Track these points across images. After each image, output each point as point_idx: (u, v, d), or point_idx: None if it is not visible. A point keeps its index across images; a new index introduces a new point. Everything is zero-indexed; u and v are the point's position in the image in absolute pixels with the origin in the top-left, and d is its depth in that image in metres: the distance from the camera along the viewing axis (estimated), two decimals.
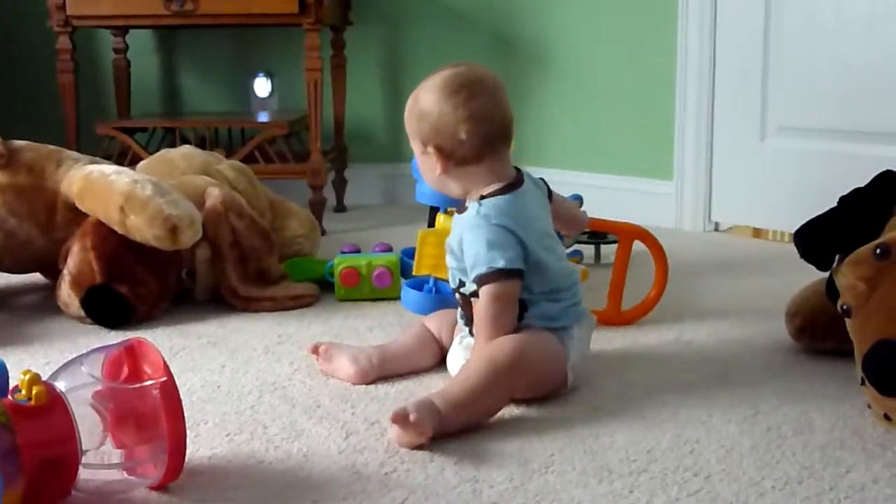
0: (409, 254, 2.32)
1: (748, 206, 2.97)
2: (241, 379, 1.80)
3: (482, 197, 1.67)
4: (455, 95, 1.65)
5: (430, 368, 1.81)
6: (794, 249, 1.82)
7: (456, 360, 1.72)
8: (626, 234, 2.10)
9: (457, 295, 1.74)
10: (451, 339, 1.79)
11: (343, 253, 2.35)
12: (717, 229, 3.07)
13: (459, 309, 1.76)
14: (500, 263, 1.61)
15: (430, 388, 1.72)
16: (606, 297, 2.09)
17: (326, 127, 3.27)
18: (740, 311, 2.18)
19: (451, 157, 1.67)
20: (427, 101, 1.68)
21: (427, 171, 1.73)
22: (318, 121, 3.01)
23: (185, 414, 1.32)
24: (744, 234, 3.01)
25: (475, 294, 1.66)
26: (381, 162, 3.59)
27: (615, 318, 2.08)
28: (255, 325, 2.13)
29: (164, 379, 1.30)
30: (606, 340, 1.96)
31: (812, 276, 1.89)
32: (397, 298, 2.25)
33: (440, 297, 2.08)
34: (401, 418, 1.46)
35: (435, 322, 1.85)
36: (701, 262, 2.53)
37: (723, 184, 3.01)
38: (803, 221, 1.83)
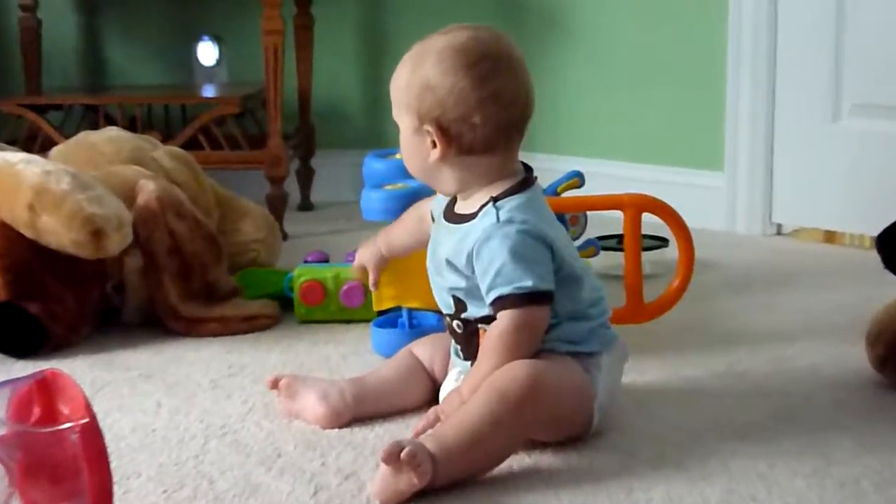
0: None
1: (818, 203, 2.98)
2: (181, 421, 1.80)
3: (495, 199, 1.65)
4: (473, 67, 1.63)
5: (420, 407, 1.81)
6: (877, 257, 1.83)
7: None
8: (630, 207, 2.08)
9: (453, 324, 1.73)
10: (445, 369, 1.80)
11: (306, 262, 2.36)
12: (779, 232, 3.07)
13: (455, 344, 1.75)
14: (529, 283, 1.59)
15: None
16: (624, 291, 2.09)
17: (289, 104, 3.27)
18: (808, 335, 2.19)
19: (455, 143, 1.65)
20: (435, 69, 1.65)
21: (414, 154, 1.70)
22: (278, 96, 3.02)
23: (112, 464, 1.32)
24: (813, 238, 3.02)
25: (485, 320, 1.66)
26: (358, 149, 3.58)
27: (637, 313, 2.09)
28: (199, 353, 2.14)
29: (86, 421, 1.30)
30: (639, 371, 1.97)
31: None
32: (373, 320, 2.26)
33: (419, 332, 2.06)
34: (392, 457, 1.45)
35: (426, 349, 1.85)
36: (759, 273, 2.54)
37: (786, 176, 3.02)
38: (888, 223, 1.83)
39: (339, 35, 3.54)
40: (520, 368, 1.58)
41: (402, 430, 1.74)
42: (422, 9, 3.47)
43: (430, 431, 1.56)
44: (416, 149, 1.69)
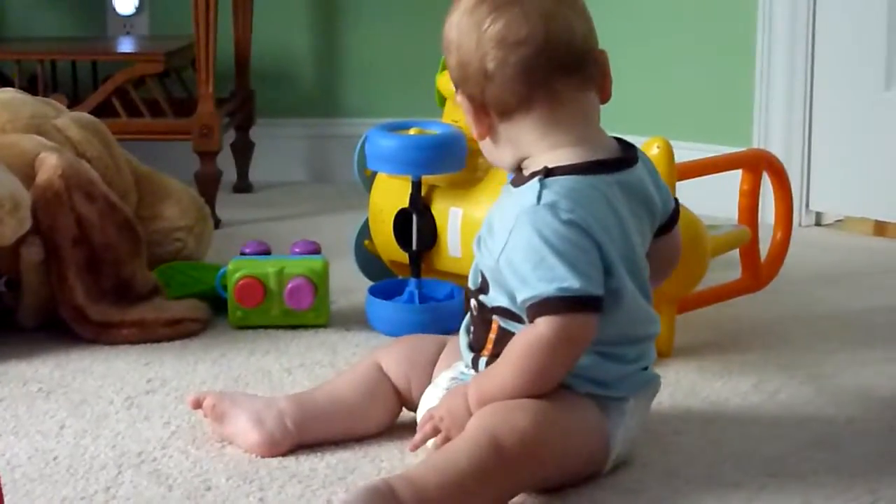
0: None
1: (865, 189, 3.00)
2: (89, 446, 1.80)
3: (549, 172, 1.63)
4: (477, 8, 1.64)
5: (379, 434, 1.81)
6: None
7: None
8: (751, 165, 2.34)
9: (471, 303, 1.73)
10: (423, 388, 1.78)
11: (243, 255, 2.36)
12: (818, 223, 3.09)
13: (466, 325, 1.75)
14: (577, 285, 1.56)
15: (382, 463, 1.73)
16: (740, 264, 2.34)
17: (223, 62, 3.28)
18: (854, 346, 2.21)
19: (488, 106, 1.66)
20: (450, 24, 1.68)
21: (474, 133, 1.72)
22: (210, 53, 3.02)
23: (5, 498, 1.32)
24: (859, 230, 3.04)
25: (505, 313, 1.66)
26: (307, 117, 3.60)
27: (758, 280, 2.37)
28: (111, 364, 2.14)
29: None
30: None
31: None
32: (323, 326, 2.27)
33: (428, 308, 2.09)
34: None
35: (399, 361, 1.83)
36: (795, 271, 2.55)
37: (827, 156, 3.04)
38: None
39: None
40: (523, 416, 1.57)
41: (359, 458, 1.74)
42: None
43: (404, 472, 1.55)
44: (470, 126, 1.72)
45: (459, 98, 1.70)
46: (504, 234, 1.60)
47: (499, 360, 1.63)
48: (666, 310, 2.10)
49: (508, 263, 1.60)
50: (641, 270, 1.67)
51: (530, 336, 1.58)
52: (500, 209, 1.66)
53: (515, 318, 1.63)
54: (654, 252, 1.74)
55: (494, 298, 1.66)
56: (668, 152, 2.03)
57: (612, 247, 1.60)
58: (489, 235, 1.65)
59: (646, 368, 1.71)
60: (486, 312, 1.69)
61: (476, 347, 1.71)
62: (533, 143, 1.66)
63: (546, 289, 1.56)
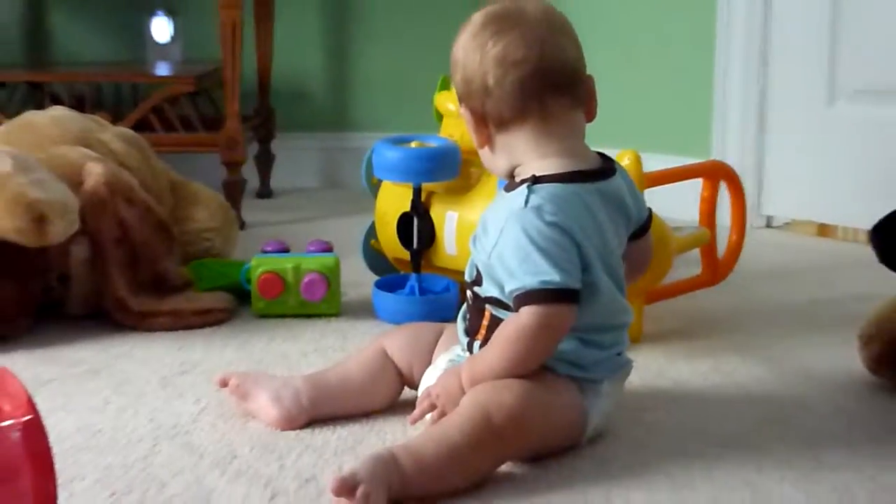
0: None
1: (811, 194, 3.00)
2: (129, 421, 1.80)
3: (536, 179, 1.63)
4: (480, 33, 1.65)
5: (385, 410, 1.81)
6: (872, 251, 1.84)
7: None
8: (710, 174, 2.36)
9: (468, 294, 1.73)
10: (423, 370, 1.78)
11: (265, 252, 2.36)
12: (769, 225, 3.09)
13: (463, 313, 1.75)
14: (557, 279, 1.57)
15: (387, 435, 1.73)
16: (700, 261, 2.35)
17: (247, 83, 3.27)
18: (799, 334, 2.21)
19: (487, 118, 1.67)
20: (457, 46, 1.69)
21: (474, 143, 1.73)
22: (236, 75, 3.01)
23: (55, 466, 1.32)
24: (805, 231, 3.04)
25: (496, 302, 1.66)
26: (320, 131, 3.59)
27: (715, 275, 2.38)
28: (149, 348, 2.13)
29: (29, 418, 1.29)
30: None
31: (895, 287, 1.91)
32: (336, 315, 2.27)
33: (427, 300, 2.10)
34: (346, 488, 1.44)
35: (402, 346, 1.82)
36: (748, 269, 2.55)
37: (777, 165, 3.03)
38: (883, 214, 1.84)
39: (301, 9, 3.54)
40: (509, 394, 1.57)
41: (366, 432, 1.74)
42: None
43: (405, 441, 1.56)
44: (471, 137, 1.72)
45: (463, 110, 1.70)
46: (496, 233, 1.61)
47: (488, 344, 1.64)
48: (635, 301, 2.09)
49: (499, 258, 1.60)
50: (616, 268, 1.68)
51: (516, 323, 1.59)
52: (494, 211, 1.67)
53: (505, 306, 1.63)
54: (629, 254, 1.74)
55: (487, 289, 1.66)
56: (638, 163, 2.05)
57: (590, 246, 1.61)
58: (483, 234, 1.66)
59: (619, 354, 1.71)
60: (479, 302, 1.69)
61: (471, 332, 1.71)
62: (525, 152, 1.66)
63: (530, 281, 1.57)
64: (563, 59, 1.65)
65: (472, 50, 1.65)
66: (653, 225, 1.83)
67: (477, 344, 1.69)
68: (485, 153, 1.72)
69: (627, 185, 1.72)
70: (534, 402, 1.58)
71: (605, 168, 1.69)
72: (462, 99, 1.70)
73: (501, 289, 1.63)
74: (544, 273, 1.56)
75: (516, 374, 1.60)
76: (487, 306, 1.67)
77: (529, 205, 1.59)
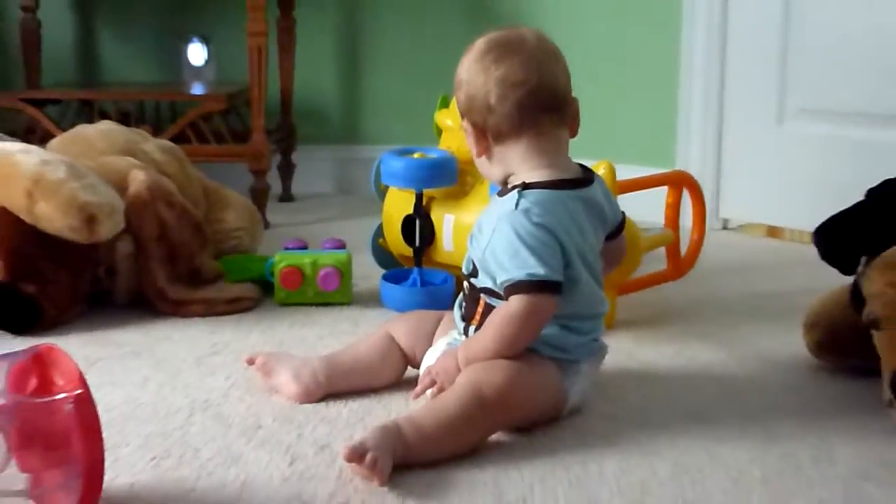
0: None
1: (762, 200, 3.00)
2: (168, 395, 1.80)
3: (525, 185, 1.64)
4: (484, 57, 1.66)
5: (390, 386, 1.81)
6: (815, 251, 1.84)
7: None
8: (675, 183, 2.36)
9: (464, 284, 1.73)
10: (424, 352, 1.78)
11: (286, 249, 2.36)
12: (725, 227, 3.09)
13: (459, 302, 1.75)
14: (542, 272, 1.58)
15: (391, 408, 1.73)
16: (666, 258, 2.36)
17: (271, 102, 3.27)
18: (752, 322, 2.21)
19: (487, 132, 1.67)
20: (461, 67, 1.70)
21: (471, 152, 1.73)
22: (261, 94, 3.01)
23: (103, 434, 1.32)
24: (757, 232, 3.04)
25: (490, 292, 1.66)
26: (335, 144, 3.59)
27: (679, 271, 2.37)
28: (185, 332, 2.13)
29: (79, 392, 1.30)
30: None
31: (835, 281, 1.91)
32: (348, 304, 2.26)
33: (427, 290, 2.10)
34: (357, 455, 1.44)
35: (406, 331, 1.83)
36: (707, 266, 2.55)
37: (733, 174, 3.03)
38: (825, 217, 1.84)
39: (319, 38, 3.53)
40: (499, 373, 1.58)
41: (375, 405, 1.74)
42: (396, 14, 3.46)
43: (408, 413, 1.56)
44: (469, 146, 1.73)
45: (465, 124, 1.70)
46: (489, 232, 1.63)
47: (481, 329, 1.65)
48: (609, 293, 2.10)
49: (492, 254, 1.61)
50: (594, 264, 1.68)
51: (506, 310, 1.60)
52: (488, 213, 1.68)
53: (497, 296, 1.64)
54: (606, 251, 1.75)
55: (482, 281, 1.67)
56: (612, 172, 2.06)
57: (572, 245, 1.62)
58: (479, 233, 1.67)
59: (596, 340, 1.72)
60: (475, 292, 1.69)
61: (467, 318, 1.71)
62: (519, 163, 1.67)
63: (518, 273, 1.58)
64: (555, 83, 1.66)
65: (477, 72, 1.66)
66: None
67: (472, 328, 1.69)
68: (482, 162, 1.72)
69: (604, 192, 1.72)
70: (520, 380, 1.59)
71: (586, 177, 1.70)
72: (464, 114, 1.70)
73: (494, 280, 1.63)
74: (531, 266, 1.57)
75: (506, 355, 1.60)
76: (482, 295, 1.68)
77: (519, 207, 1.61)
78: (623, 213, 1.79)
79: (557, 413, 1.67)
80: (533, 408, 1.63)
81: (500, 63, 1.65)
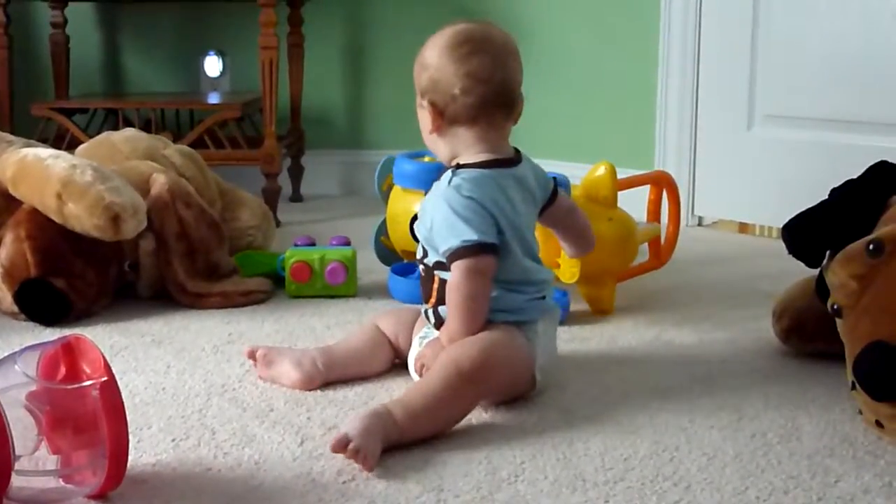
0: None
1: (734, 199, 2.99)
2: (187, 380, 1.80)
3: (460, 166, 1.68)
4: (456, 49, 1.67)
5: (382, 373, 1.81)
6: (783, 245, 1.83)
7: None
8: (656, 182, 2.38)
9: (420, 267, 1.75)
10: (409, 341, 1.79)
11: (296, 246, 2.35)
12: (700, 224, 3.08)
13: (420, 286, 1.76)
14: (475, 236, 1.61)
15: (392, 391, 1.73)
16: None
17: (282, 110, 3.26)
18: (724, 311, 2.20)
19: (443, 115, 1.68)
20: (429, 51, 1.70)
21: (422, 126, 1.74)
22: (273, 103, 3.01)
23: (127, 417, 1.32)
24: (729, 228, 3.03)
25: (440, 266, 1.67)
26: (341, 148, 3.58)
27: (659, 262, 2.37)
28: (203, 322, 2.12)
29: (105, 378, 1.29)
30: (581, 340, 1.98)
31: (801, 273, 1.91)
32: (353, 296, 2.26)
33: None
34: (340, 446, 1.44)
35: (390, 322, 1.84)
36: (683, 259, 2.54)
37: (707, 175, 3.03)
38: (792, 215, 1.84)
39: (326, 51, 3.53)
40: (474, 346, 1.60)
41: (377, 389, 1.75)
42: (398, 30, 3.44)
43: (399, 398, 1.56)
44: (421, 121, 1.74)
45: (423, 101, 1.71)
46: (431, 211, 1.67)
47: (447, 309, 1.66)
48: (609, 280, 2.16)
49: (436, 231, 1.65)
50: (525, 236, 1.71)
51: (452, 280, 1.63)
52: (428, 198, 1.72)
53: (446, 268, 1.66)
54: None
55: (432, 258, 1.69)
56: (613, 171, 2.13)
57: (502, 217, 1.66)
58: (423, 214, 1.70)
59: (543, 297, 1.73)
60: (429, 271, 1.71)
61: (425, 299, 1.73)
62: (466, 147, 1.70)
63: (455, 242, 1.62)
64: (514, 83, 1.71)
65: (448, 61, 1.67)
66: (622, 221, 1.98)
67: (430, 310, 1.71)
68: (431, 138, 1.73)
69: (532, 169, 1.76)
70: (493, 349, 1.61)
71: (515, 158, 1.73)
72: (424, 93, 1.71)
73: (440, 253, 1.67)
74: (464, 234, 1.61)
75: (476, 325, 1.64)
76: (435, 273, 1.69)
77: (451, 185, 1.66)
78: (555, 179, 1.81)
79: (531, 377, 1.67)
80: (508, 372, 1.64)
81: (471, 58, 1.66)
